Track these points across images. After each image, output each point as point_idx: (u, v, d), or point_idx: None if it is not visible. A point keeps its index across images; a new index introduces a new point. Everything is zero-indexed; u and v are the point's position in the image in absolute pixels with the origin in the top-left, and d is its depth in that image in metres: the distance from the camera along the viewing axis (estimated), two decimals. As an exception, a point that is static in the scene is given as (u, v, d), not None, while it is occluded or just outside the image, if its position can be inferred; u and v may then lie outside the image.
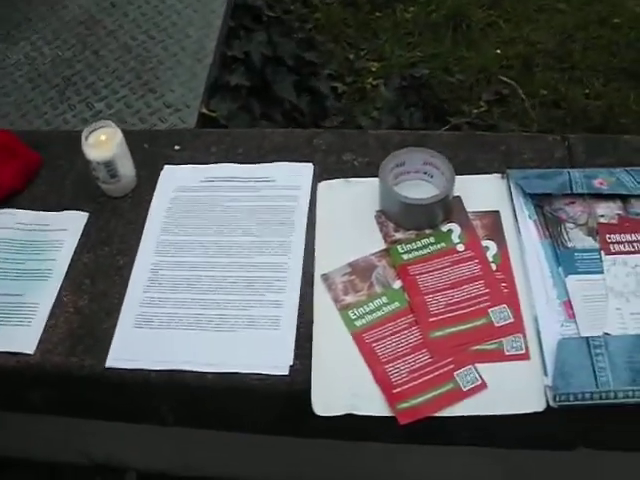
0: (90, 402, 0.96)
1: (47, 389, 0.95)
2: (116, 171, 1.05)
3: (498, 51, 2.02)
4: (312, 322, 0.89)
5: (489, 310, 0.88)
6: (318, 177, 1.05)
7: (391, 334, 0.87)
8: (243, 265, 0.97)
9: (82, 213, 1.07)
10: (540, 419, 0.81)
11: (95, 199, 1.08)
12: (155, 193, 1.08)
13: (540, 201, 0.98)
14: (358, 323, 0.88)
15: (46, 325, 0.95)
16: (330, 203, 1.01)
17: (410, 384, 0.83)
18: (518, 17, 2.12)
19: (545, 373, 0.83)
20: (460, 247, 0.94)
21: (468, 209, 0.98)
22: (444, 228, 0.96)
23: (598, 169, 1.02)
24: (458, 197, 0.99)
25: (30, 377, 0.93)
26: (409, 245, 0.95)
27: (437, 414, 0.81)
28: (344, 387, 0.84)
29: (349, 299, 0.90)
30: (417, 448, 0.93)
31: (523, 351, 0.85)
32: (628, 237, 0.94)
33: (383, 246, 0.95)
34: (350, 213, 0.99)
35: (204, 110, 1.53)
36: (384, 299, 0.90)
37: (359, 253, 0.95)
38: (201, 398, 0.90)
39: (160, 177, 1.10)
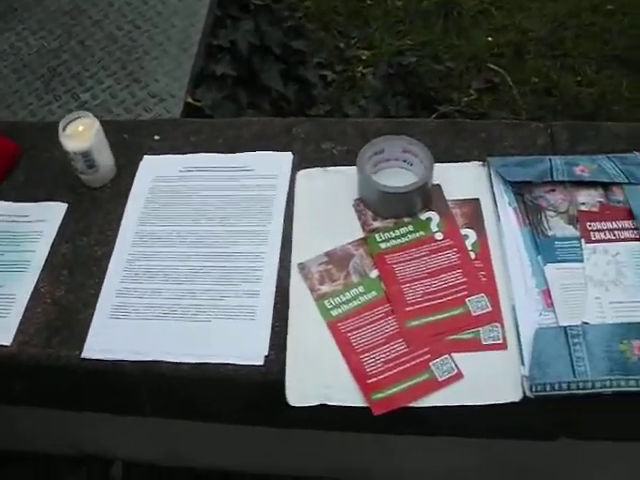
0: (67, 393, 0.96)
1: (24, 380, 0.94)
2: (94, 161, 1.04)
3: (489, 39, 2.00)
4: (288, 312, 0.89)
5: (466, 299, 0.87)
6: (297, 166, 1.04)
7: (367, 324, 0.86)
8: (220, 255, 0.96)
9: (61, 204, 1.06)
10: (517, 409, 0.80)
11: (74, 190, 1.08)
12: (134, 183, 1.07)
13: (520, 189, 0.96)
14: (334, 313, 0.87)
15: (23, 316, 0.94)
16: (308, 192, 1.00)
17: (385, 374, 0.82)
18: (510, 4, 2.10)
19: (522, 363, 0.82)
20: (439, 235, 0.93)
21: (448, 197, 0.97)
22: (423, 216, 0.95)
23: (580, 156, 1.00)
24: (438, 185, 0.98)
25: (7, 368, 0.92)
26: (387, 234, 0.94)
27: (412, 404, 0.80)
28: (318, 377, 0.83)
29: (325, 288, 0.90)
30: (397, 438, 0.93)
31: (500, 341, 0.84)
32: (609, 225, 0.93)
33: (361, 235, 0.94)
34: (328, 202, 0.98)
35: (189, 100, 1.52)
36: (360, 288, 0.89)
37: (337, 242, 0.94)
38: (176, 388, 0.89)
39: (139, 167, 1.09)
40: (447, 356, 0.83)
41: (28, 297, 0.96)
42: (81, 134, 1.03)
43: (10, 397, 0.98)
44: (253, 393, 0.87)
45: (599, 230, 0.93)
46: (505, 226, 0.93)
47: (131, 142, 1.13)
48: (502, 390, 0.81)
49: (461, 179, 0.99)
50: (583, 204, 0.95)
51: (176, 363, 0.87)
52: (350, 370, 0.83)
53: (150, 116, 1.47)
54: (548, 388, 0.80)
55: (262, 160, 1.05)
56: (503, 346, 0.84)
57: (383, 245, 0.92)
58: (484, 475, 1.11)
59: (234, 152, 1.08)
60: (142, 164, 1.09)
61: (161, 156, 1.10)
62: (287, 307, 0.89)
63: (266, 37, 1.70)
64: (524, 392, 0.80)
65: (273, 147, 1.07)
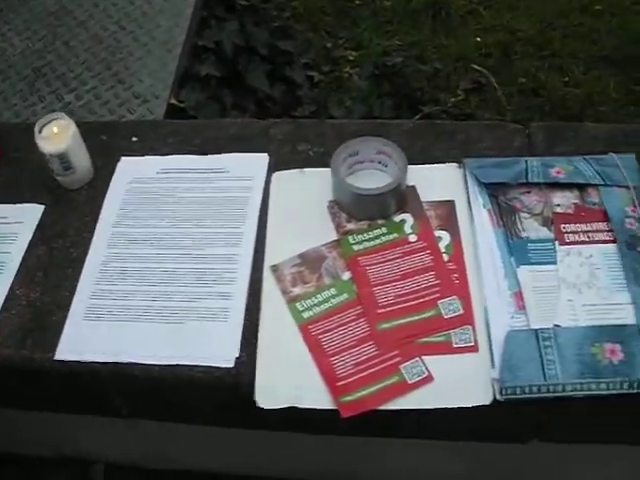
0: (42, 395, 0.96)
1: (-1, 382, 0.94)
2: (70, 163, 1.04)
3: (478, 39, 2.00)
4: (260, 314, 0.88)
5: (439, 302, 0.87)
6: (273, 168, 1.04)
7: (338, 326, 0.86)
8: (194, 257, 0.96)
9: (38, 206, 1.06)
10: (487, 412, 0.80)
11: (52, 191, 1.08)
12: (110, 185, 1.07)
13: (495, 190, 0.96)
14: (305, 315, 0.87)
15: (-2, 318, 0.94)
16: (284, 194, 1.00)
17: (355, 377, 0.82)
18: (499, 4, 2.09)
19: (493, 366, 0.81)
20: (412, 237, 0.93)
21: (423, 199, 0.97)
22: (397, 218, 0.95)
23: (556, 158, 1.00)
24: (413, 187, 0.98)
25: (-19, 371, 0.92)
26: (360, 236, 0.93)
27: (381, 407, 0.80)
28: (288, 379, 0.83)
29: (297, 290, 0.89)
30: (376, 440, 0.93)
31: (472, 343, 0.84)
32: (584, 227, 0.93)
33: (335, 237, 0.94)
34: (303, 204, 0.98)
35: (173, 101, 1.51)
36: (332, 291, 0.89)
37: (310, 244, 0.94)
38: (149, 390, 0.89)
39: (116, 169, 1.09)
40: (417, 359, 0.83)
41: (3, 299, 0.95)
42: (57, 136, 1.03)
43: (-14, 399, 0.98)
44: (225, 395, 0.86)
45: (573, 232, 0.92)
46: (479, 228, 0.93)
47: (109, 144, 1.12)
48: (472, 393, 0.80)
49: (437, 181, 0.99)
50: (558, 206, 0.95)
51: (148, 365, 0.87)
52: (320, 373, 0.82)
53: (134, 117, 1.47)
54: (518, 391, 0.79)
55: (238, 162, 1.05)
56: (474, 349, 0.84)
57: (356, 247, 0.92)
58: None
59: (212, 154, 1.08)
60: (119, 166, 1.09)
61: (138, 158, 1.09)
62: (259, 309, 0.89)
63: (252, 37, 1.69)
64: (494, 395, 0.80)
65: (250, 149, 1.07)
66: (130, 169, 1.08)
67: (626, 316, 0.84)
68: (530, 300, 0.86)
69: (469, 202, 0.96)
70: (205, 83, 1.58)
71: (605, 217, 0.93)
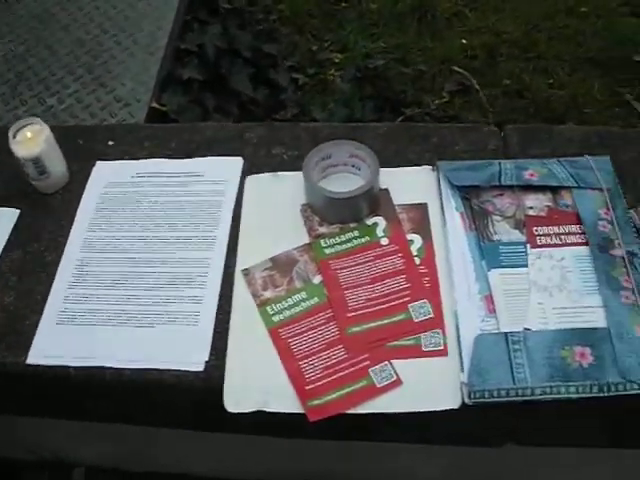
0: (15, 399, 0.96)
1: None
2: (45, 168, 1.03)
3: (463, 41, 2.00)
4: (230, 318, 0.88)
5: (409, 305, 0.87)
6: (247, 171, 1.03)
7: (308, 330, 0.86)
8: (166, 261, 0.95)
9: (14, 210, 1.06)
10: (457, 416, 0.79)
11: (27, 196, 1.07)
12: (86, 189, 1.06)
13: (468, 193, 0.96)
14: (276, 319, 0.87)
15: (-29, 323, 0.94)
16: (257, 197, 1.00)
17: (323, 381, 0.81)
18: (485, 6, 2.10)
19: (462, 369, 0.81)
20: (384, 241, 0.93)
21: (396, 202, 0.97)
22: (369, 222, 0.95)
23: (530, 160, 1.00)
24: (386, 190, 0.97)
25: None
26: (332, 239, 0.93)
27: (349, 411, 0.80)
28: (257, 383, 0.82)
29: (268, 294, 0.89)
30: (350, 444, 0.93)
31: (441, 347, 0.84)
32: (556, 229, 0.92)
33: (307, 240, 0.94)
34: (276, 207, 0.98)
35: (154, 104, 1.51)
36: (303, 294, 0.89)
37: (283, 248, 0.93)
38: (120, 394, 0.89)
39: (92, 173, 1.08)
40: (386, 362, 0.82)
41: (-24, 304, 0.96)
42: (31, 140, 1.03)
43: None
44: (195, 399, 0.86)
45: (545, 235, 0.92)
46: (451, 231, 0.93)
47: (85, 148, 1.12)
48: (441, 397, 0.80)
49: (410, 184, 0.99)
50: (531, 208, 0.95)
51: (118, 369, 0.87)
52: (288, 376, 0.82)
53: (115, 121, 1.47)
54: (487, 395, 0.79)
55: (212, 165, 1.05)
56: (444, 352, 0.83)
57: (328, 251, 0.92)
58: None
59: (187, 157, 1.07)
60: (95, 170, 1.08)
61: (114, 162, 1.09)
62: (230, 313, 0.89)
63: (235, 40, 1.69)
64: (463, 399, 0.79)
65: (226, 152, 1.07)
66: (105, 173, 1.08)
67: (597, 319, 0.84)
68: (500, 303, 0.86)
69: (442, 205, 0.96)
70: (187, 86, 1.58)
71: (578, 220, 0.93)
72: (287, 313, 0.87)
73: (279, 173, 1.02)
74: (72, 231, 1.02)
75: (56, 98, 1.56)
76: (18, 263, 0.99)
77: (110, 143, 1.12)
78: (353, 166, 0.98)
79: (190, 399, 0.86)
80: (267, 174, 1.02)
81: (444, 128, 1.09)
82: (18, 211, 1.06)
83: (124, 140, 1.12)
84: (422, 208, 0.96)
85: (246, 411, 0.80)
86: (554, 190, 0.96)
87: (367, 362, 0.83)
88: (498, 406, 0.79)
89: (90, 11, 1.72)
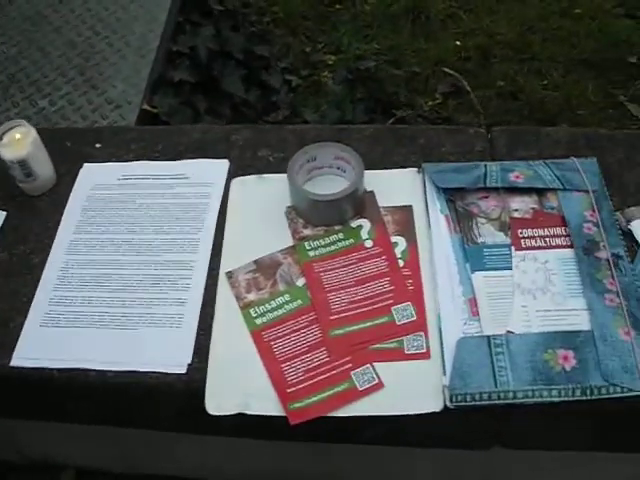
0: (1, 401, 0.96)
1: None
2: (31, 170, 1.04)
3: (457, 43, 1.99)
4: (214, 320, 0.88)
5: (392, 308, 0.86)
6: (233, 173, 1.03)
7: (290, 332, 0.85)
8: (151, 263, 0.95)
9: (0, 212, 1.06)
10: (438, 419, 0.79)
11: (14, 198, 1.07)
12: (72, 191, 1.07)
13: (453, 195, 0.96)
14: (258, 321, 0.87)
15: (-45, 325, 0.94)
16: (242, 200, 1.00)
17: (305, 383, 0.81)
18: (479, 8, 2.09)
19: (444, 372, 0.81)
20: (368, 243, 0.93)
21: (381, 204, 0.97)
22: (354, 224, 0.95)
23: (516, 162, 1.00)
24: (371, 192, 0.97)
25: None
26: (316, 242, 0.93)
27: (330, 414, 0.79)
28: (239, 386, 0.82)
29: (251, 297, 0.89)
30: (336, 447, 0.93)
31: (424, 350, 0.83)
32: (541, 232, 0.92)
33: (291, 243, 0.94)
34: (261, 210, 0.98)
35: (145, 106, 1.51)
36: (286, 297, 0.88)
37: (267, 250, 0.93)
38: (102, 396, 0.89)
39: (78, 175, 1.09)
40: (368, 365, 0.82)
41: (-39, 306, 0.96)
42: (17, 143, 1.03)
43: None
44: (177, 401, 0.86)
45: (530, 237, 0.92)
46: (435, 233, 0.92)
47: (73, 150, 1.12)
48: (423, 400, 0.80)
49: (396, 186, 0.99)
50: (516, 210, 0.94)
51: (101, 371, 0.87)
52: (270, 379, 0.82)
53: (106, 123, 1.47)
54: (468, 398, 0.79)
55: (198, 168, 1.05)
56: (426, 355, 0.83)
57: (312, 253, 0.92)
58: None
59: (174, 160, 1.07)
60: (81, 172, 1.08)
61: (101, 164, 1.09)
62: (214, 315, 0.89)
63: (227, 42, 1.69)
64: (445, 402, 0.79)
65: (212, 154, 1.07)
66: (92, 175, 1.08)
67: (581, 322, 0.84)
68: (484, 306, 0.86)
69: (427, 207, 0.95)
70: (178, 88, 1.58)
71: (563, 222, 0.93)
72: (270, 315, 0.87)
73: (265, 175, 1.02)
74: (58, 233, 1.02)
75: (48, 100, 1.56)
76: (4, 265, 1.00)
77: (97, 145, 1.12)
78: (338, 168, 0.98)
79: (172, 401, 0.86)
80: (253, 176, 1.02)
81: (430, 130, 1.09)
82: (5, 213, 1.06)
83: (111, 142, 1.12)
84: (407, 210, 0.96)
85: (227, 414, 0.80)
86: (540, 192, 0.96)
87: (349, 365, 0.82)
88: (480, 409, 0.79)
89: (82, 13, 1.72)
